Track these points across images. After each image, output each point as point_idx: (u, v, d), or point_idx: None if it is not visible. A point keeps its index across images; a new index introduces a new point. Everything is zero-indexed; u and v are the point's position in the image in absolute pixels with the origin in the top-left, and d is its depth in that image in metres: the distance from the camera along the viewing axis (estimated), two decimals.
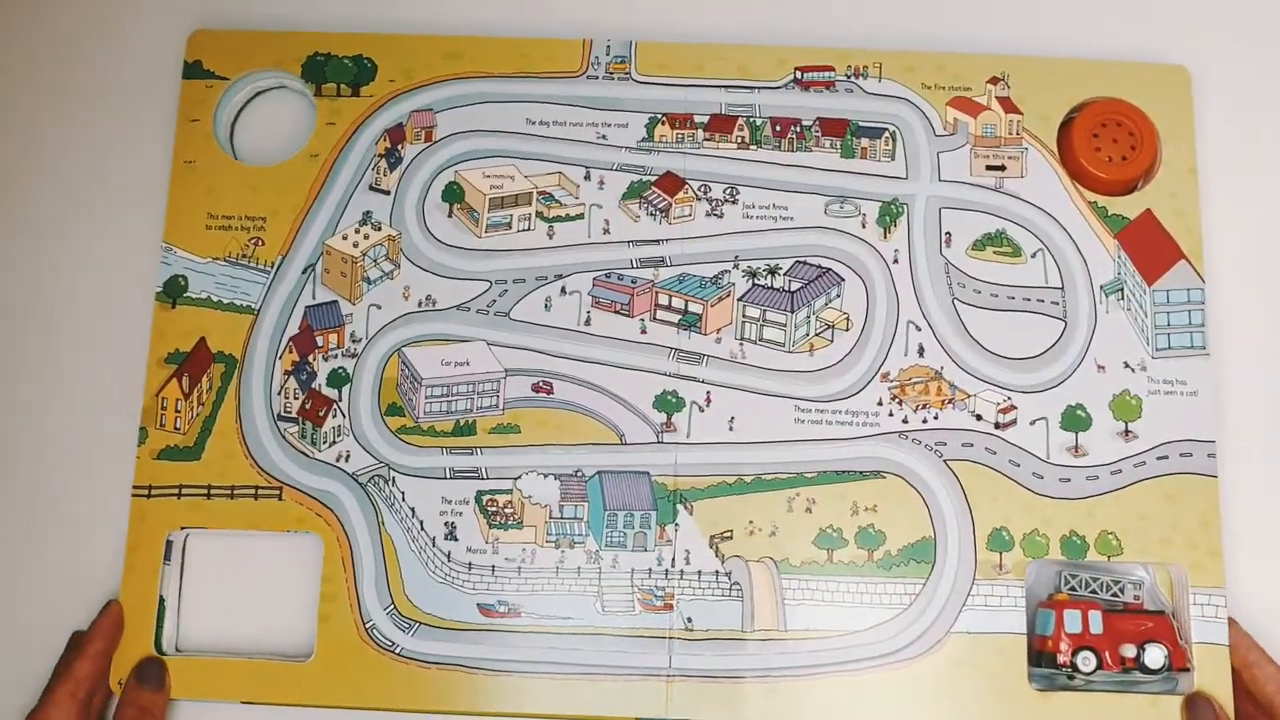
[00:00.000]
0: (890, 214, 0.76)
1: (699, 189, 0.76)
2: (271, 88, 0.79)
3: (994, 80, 0.77)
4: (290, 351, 0.74)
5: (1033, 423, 0.73)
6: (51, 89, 0.79)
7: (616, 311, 0.74)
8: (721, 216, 0.75)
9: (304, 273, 0.75)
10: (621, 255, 0.75)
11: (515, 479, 0.72)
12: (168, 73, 0.78)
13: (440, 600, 0.70)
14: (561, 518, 0.71)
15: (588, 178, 0.76)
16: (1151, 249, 0.75)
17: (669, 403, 0.73)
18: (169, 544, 0.71)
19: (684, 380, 0.73)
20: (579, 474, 0.72)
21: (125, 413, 0.73)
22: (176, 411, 0.72)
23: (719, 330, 0.74)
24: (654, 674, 0.69)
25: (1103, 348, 0.74)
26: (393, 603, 0.70)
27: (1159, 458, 0.72)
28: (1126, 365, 0.74)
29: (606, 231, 0.75)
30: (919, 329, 0.74)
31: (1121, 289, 0.75)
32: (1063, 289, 0.75)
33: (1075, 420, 0.73)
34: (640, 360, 0.73)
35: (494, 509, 0.72)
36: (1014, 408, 0.73)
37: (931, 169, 0.76)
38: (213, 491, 0.72)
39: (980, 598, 0.70)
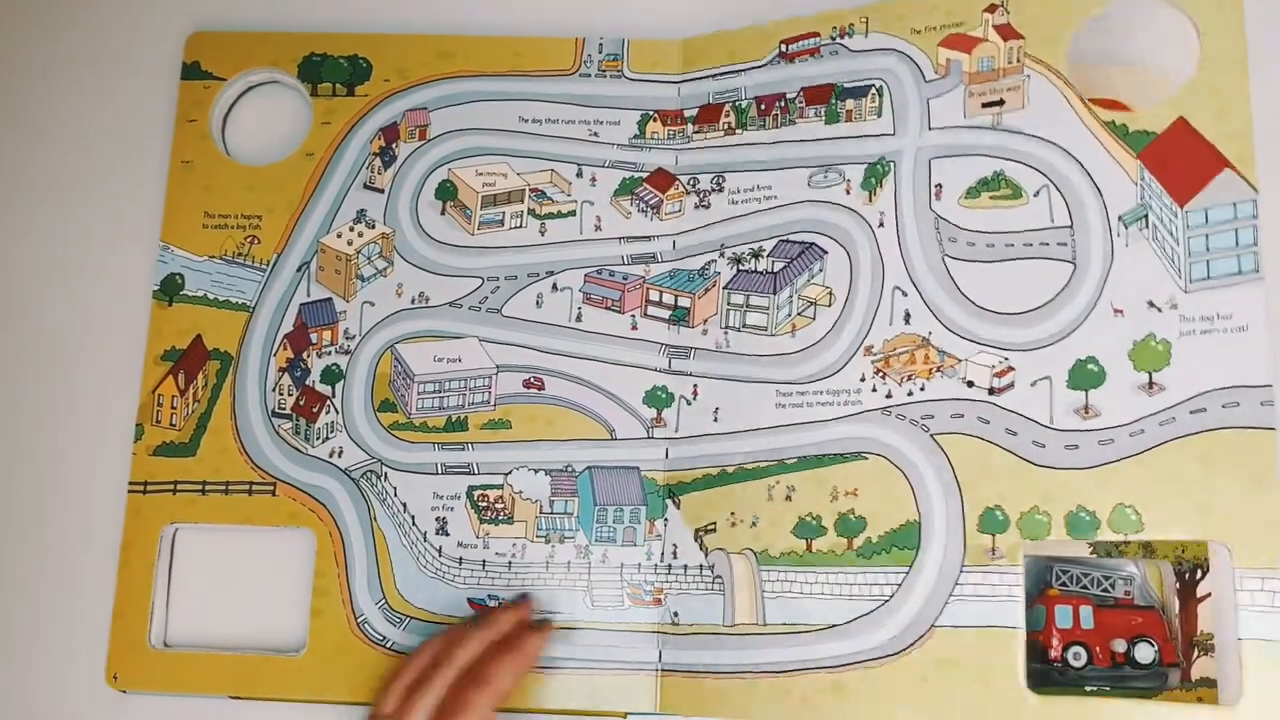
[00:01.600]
0: (876, 175, 0.71)
1: (688, 183, 0.75)
2: (264, 82, 0.79)
3: (991, 8, 0.70)
4: (285, 348, 0.74)
5: (1033, 384, 0.66)
6: (51, 89, 0.81)
7: (608, 308, 0.74)
8: (709, 207, 0.75)
9: (299, 270, 0.75)
10: (613, 252, 0.75)
11: (506, 474, 0.72)
12: (166, 74, 0.79)
13: (431, 595, 0.71)
14: (552, 513, 0.71)
15: (580, 175, 0.76)
16: (1185, 163, 0.65)
17: (659, 398, 0.73)
18: (162, 538, 0.72)
19: (674, 375, 0.73)
20: (569, 469, 0.72)
21: (122, 409, 0.74)
22: (172, 408, 0.73)
23: (705, 321, 0.73)
24: (644, 669, 0.69)
25: (1120, 288, 0.65)
26: (384, 597, 0.71)
27: (1193, 411, 0.62)
28: (1151, 305, 0.64)
29: (598, 228, 0.75)
30: (905, 294, 0.69)
31: (1145, 216, 0.65)
32: (1071, 227, 0.67)
33: (1085, 376, 0.65)
34: (631, 356, 0.73)
35: (485, 504, 0.72)
36: (1011, 369, 0.66)
37: (921, 119, 0.71)
38: (207, 487, 0.73)
39: (969, 587, 0.64)
